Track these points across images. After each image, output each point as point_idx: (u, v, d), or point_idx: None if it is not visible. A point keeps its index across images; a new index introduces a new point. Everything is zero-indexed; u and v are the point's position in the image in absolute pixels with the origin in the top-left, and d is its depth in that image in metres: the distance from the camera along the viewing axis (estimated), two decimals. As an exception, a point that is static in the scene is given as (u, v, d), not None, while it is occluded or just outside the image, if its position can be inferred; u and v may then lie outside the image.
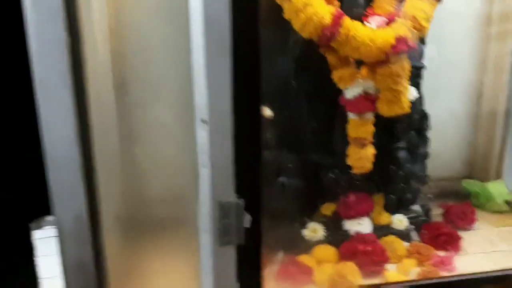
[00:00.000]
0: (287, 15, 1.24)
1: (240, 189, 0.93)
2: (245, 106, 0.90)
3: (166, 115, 1.41)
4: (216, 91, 0.88)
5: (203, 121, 0.90)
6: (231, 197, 0.93)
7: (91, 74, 0.97)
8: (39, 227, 1.08)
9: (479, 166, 1.87)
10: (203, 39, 0.85)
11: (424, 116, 1.57)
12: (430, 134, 1.61)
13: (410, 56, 1.34)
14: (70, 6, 0.81)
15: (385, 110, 1.31)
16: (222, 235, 0.94)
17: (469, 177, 1.90)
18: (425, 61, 1.56)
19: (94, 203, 0.95)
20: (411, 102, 1.45)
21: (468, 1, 1.77)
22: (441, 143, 1.82)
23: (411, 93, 1.47)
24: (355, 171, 1.39)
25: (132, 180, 1.44)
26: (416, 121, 1.52)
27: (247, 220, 0.95)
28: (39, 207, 0.94)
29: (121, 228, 1.32)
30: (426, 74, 1.58)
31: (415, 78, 1.54)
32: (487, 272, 1.26)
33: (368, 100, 1.33)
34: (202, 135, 0.91)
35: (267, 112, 1.46)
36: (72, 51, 0.86)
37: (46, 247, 0.97)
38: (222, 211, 0.92)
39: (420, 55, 1.53)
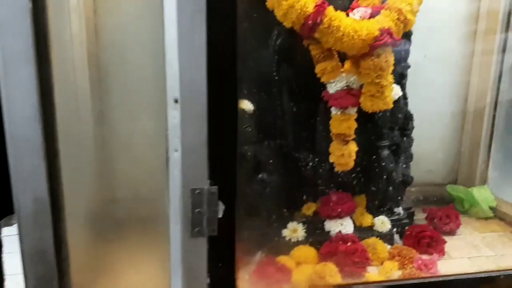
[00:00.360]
0: (269, 3, 1.20)
1: (214, 176, 0.87)
2: (221, 86, 0.85)
3: (142, 111, 1.36)
4: (190, 68, 0.83)
5: (175, 100, 0.85)
6: (204, 183, 0.87)
7: (61, 55, 0.92)
8: (8, 224, 1.02)
9: (464, 172, 1.84)
10: (176, 12, 0.80)
11: (408, 117, 1.54)
12: (414, 137, 1.58)
13: (395, 55, 1.31)
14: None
15: (368, 105, 1.27)
16: (193, 225, 0.88)
17: (454, 182, 1.86)
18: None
19: (56, 186, 0.89)
20: (395, 100, 1.42)
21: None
22: (426, 148, 1.79)
23: (395, 91, 1.44)
24: (337, 168, 1.35)
25: (104, 174, 1.38)
26: (399, 120, 1.49)
27: (220, 210, 0.89)
28: (7, 204, 0.89)
29: (90, 222, 1.26)
30: (410, 76, 1.55)
31: (400, 79, 1.52)
32: (467, 273, 1.22)
33: (351, 94, 1.29)
34: (174, 115, 0.85)
35: (247, 106, 1.41)
36: (37, 23, 0.80)
37: (14, 244, 0.91)
38: (193, 199, 0.86)
39: (406, 55, 1.50)
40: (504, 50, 1.66)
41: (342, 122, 1.31)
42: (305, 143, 1.40)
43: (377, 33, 1.20)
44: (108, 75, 1.40)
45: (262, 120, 1.38)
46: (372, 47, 1.21)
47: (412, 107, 1.55)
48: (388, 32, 1.20)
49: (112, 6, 1.37)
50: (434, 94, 1.80)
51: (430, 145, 1.83)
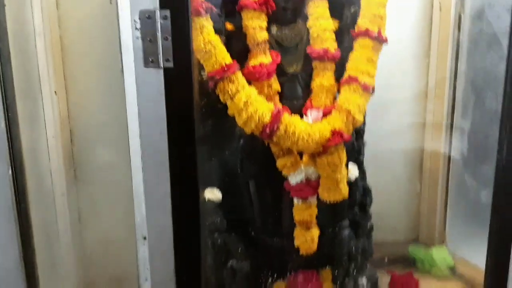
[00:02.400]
0: (230, 112, 1.31)
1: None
2: (185, 224, 0.95)
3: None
4: (156, 211, 0.92)
5: (144, 237, 0.94)
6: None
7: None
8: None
9: (425, 231, 1.97)
10: (141, 165, 0.90)
11: (366, 192, 1.66)
12: (376, 198, 1.70)
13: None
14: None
15: (325, 196, 1.39)
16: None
17: (416, 240, 1.99)
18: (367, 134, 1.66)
19: None
20: (352, 181, 1.54)
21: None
22: (386, 207, 1.91)
23: (352, 172, 1.56)
24: (301, 252, 1.45)
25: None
26: (358, 198, 1.60)
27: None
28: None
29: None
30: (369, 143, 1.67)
31: (357, 155, 1.64)
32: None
33: (310, 186, 1.41)
34: (143, 250, 0.95)
35: (216, 194, 1.51)
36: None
37: None
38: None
39: (362, 134, 1.62)
40: (451, 128, 1.80)
41: (304, 211, 1.43)
42: (272, 228, 1.50)
43: (329, 135, 1.32)
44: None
45: (230, 209, 1.48)
46: (325, 148, 1.32)
47: (371, 173, 1.67)
48: (338, 133, 1.32)
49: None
50: (391, 159, 1.93)
51: (391, 205, 1.96)
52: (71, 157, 1.45)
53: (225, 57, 1.27)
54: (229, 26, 1.39)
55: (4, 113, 0.82)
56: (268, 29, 1.38)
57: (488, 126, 1.72)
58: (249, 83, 1.34)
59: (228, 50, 1.32)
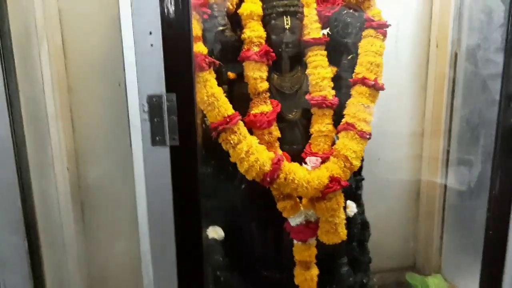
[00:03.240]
0: (232, 159, 1.36)
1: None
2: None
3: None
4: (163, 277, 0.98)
5: (152, 296, 1.00)
6: None
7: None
8: None
9: (421, 259, 2.03)
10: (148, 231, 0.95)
11: (365, 226, 1.71)
12: (374, 227, 1.75)
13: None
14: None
15: (324, 239, 1.44)
16: None
17: (413, 267, 2.05)
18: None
19: None
20: (351, 217, 1.60)
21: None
22: (384, 236, 1.97)
23: (351, 209, 1.62)
24: (302, 289, 1.51)
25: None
26: (357, 234, 1.66)
27: None
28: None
29: None
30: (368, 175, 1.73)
31: (356, 190, 1.70)
32: None
33: (310, 228, 1.46)
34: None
35: (219, 233, 1.57)
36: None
37: None
38: None
39: (359, 169, 1.68)
40: (447, 162, 1.86)
41: (304, 251, 1.48)
42: (273, 265, 1.56)
43: (327, 181, 1.37)
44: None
45: (232, 247, 1.54)
46: (324, 194, 1.38)
47: (369, 204, 1.72)
48: (336, 180, 1.37)
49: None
50: (389, 190, 1.99)
51: (389, 232, 2.02)
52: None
53: (227, 109, 1.33)
54: (231, 75, 1.45)
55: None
56: (269, 77, 1.43)
57: (482, 161, 1.77)
58: (250, 130, 1.40)
59: (231, 97, 1.38)
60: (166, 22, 0.83)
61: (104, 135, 1.47)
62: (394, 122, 1.89)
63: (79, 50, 1.43)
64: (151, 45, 0.84)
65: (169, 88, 0.86)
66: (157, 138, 0.89)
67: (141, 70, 0.85)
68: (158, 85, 0.85)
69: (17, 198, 0.89)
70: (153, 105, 0.87)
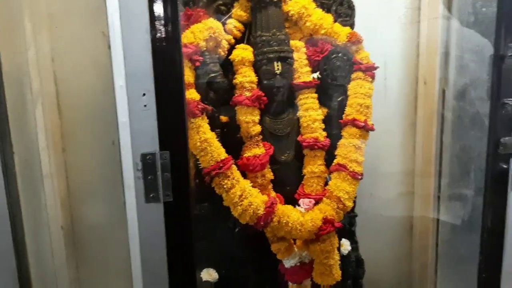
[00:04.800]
0: (225, 203, 1.37)
1: None
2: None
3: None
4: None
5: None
6: None
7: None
8: None
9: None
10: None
11: (359, 263, 1.72)
12: (368, 262, 1.75)
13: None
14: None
15: (319, 280, 1.45)
16: None
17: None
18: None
19: None
20: (345, 255, 1.61)
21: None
22: (379, 271, 1.97)
23: (345, 247, 1.63)
24: (297, 332, 1.50)
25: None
26: (351, 272, 1.66)
27: None
28: None
29: None
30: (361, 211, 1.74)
31: (350, 226, 1.71)
32: None
33: (304, 270, 1.47)
34: None
35: (212, 275, 1.57)
36: None
37: None
38: None
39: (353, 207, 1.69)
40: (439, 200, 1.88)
41: (299, 292, 1.48)
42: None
43: (320, 223, 1.38)
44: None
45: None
46: (318, 235, 1.39)
47: (364, 241, 1.72)
48: (330, 221, 1.38)
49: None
50: (383, 226, 2.01)
51: (383, 269, 2.02)
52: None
53: (220, 154, 1.34)
54: (223, 118, 1.47)
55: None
56: (261, 120, 1.45)
57: (474, 196, 1.79)
58: (244, 173, 1.41)
59: (223, 140, 1.40)
60: (160, 84, 0.85)
61: (99, 192, 1.48)
62: (385, 159, 1.92)
63: (74, 109, 1.45)
64: (145, 105, 0.86)
65: (162, 146, 0.88)
66: (151, 195, 0.91)
67: (135, 130, 0.87)
68: (152, 144, 0.87)
69: (12, 260, 0.90)
70: (147, 163, 0.88)
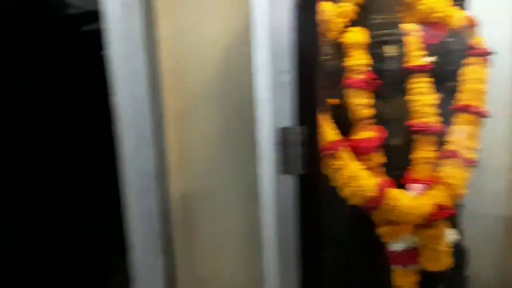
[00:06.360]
0: (334, 183, 1.40)
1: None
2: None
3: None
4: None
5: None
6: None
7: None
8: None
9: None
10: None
11: (463, 253, 1.67)
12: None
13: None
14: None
15: (428, 266, 1.44)
16: None
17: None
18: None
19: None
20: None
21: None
22: (481, 263, 1.90)
23: (451, 236, 1.59)
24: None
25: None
26: (455, 262, 1.62)
27: None
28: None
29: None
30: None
31: (455, 217, 1.67)
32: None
33: (411, 254, 1.46)
34: None
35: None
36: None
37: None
38: None
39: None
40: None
41: (404, 277, 1.48)
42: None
43: (431, 209, 1.37)
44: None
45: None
46: (429, 221, 1.37)
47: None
48: (442, 208, 1.37)
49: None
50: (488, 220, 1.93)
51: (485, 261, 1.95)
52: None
53: (330, 135, 1.37)
54: (334, 101, 1.49)
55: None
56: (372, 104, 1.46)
57: None
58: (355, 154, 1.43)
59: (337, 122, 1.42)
60: (300, 61, 0.89)
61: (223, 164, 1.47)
62: (491, 152, 1.84)
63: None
64: (286, 82, 0.90)
65: (298, 122, 0.92)
66: (287, 168, 0.95)
67: (275, 105, 0.91)
68: (289, 119, 0.91)
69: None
70: (284, 137, 0.93)
